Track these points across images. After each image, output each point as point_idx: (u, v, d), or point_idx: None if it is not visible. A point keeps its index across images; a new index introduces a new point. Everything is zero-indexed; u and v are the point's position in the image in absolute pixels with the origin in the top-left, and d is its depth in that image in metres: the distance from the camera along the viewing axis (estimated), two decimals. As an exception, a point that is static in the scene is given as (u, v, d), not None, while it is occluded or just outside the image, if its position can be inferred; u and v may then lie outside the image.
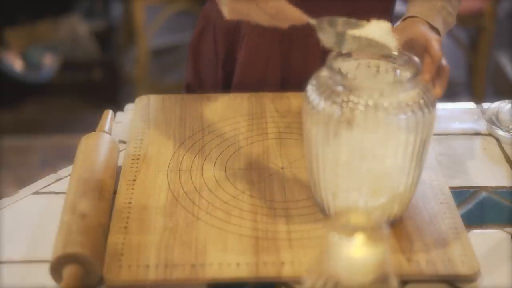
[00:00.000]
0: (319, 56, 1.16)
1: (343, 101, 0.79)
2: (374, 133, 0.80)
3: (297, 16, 0.85)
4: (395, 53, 0.85)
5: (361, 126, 0.79)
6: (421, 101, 0.80)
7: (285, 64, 1.17)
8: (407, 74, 0.84)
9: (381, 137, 0.80)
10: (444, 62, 0.88)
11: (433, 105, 0.82)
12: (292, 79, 1.20)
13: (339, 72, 0.83)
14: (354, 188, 0.83)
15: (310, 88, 0.83)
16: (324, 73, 0.84)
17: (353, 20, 0.85)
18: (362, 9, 1.10)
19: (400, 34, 0.87)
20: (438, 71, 0.86)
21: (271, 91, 1.17)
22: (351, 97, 0.79)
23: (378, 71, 0.87)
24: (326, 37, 0.84)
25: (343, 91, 0.80)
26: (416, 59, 0.84)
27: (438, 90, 0.85)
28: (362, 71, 0.87)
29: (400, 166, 0.82)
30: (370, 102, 0.79)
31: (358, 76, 0.86)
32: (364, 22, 0.84)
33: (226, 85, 1.22)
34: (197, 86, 1.27)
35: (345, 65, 0.86)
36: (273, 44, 1.16)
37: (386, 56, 0.86)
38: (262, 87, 1.17)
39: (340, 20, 0.85)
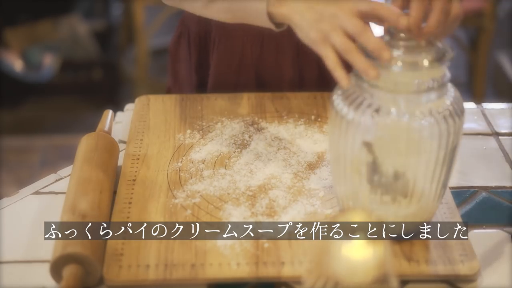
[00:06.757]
0: (290, 57, 1.17)
1: (369, 108, 0.78)
2: (403, 141, 0.78)
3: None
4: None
5: (389, 134, 0.78)
6: (450, 108, 0.78)
7: (258, 66, 1.16)
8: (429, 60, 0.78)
9: (409, 145, 0.78)
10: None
11: (462, 112, 0.79)
12: (266, 80, 1.20)
13: (365, 79, 0.79)
14: (383, 197, 0.82)
15: (336, 97, 0.81)
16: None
17: None
18: None
19: None
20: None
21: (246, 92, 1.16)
22: (378, 105, 0.77)
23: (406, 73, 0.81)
24: None
25: (369, 98, 0.78)
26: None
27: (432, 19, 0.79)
28: (389, 77, 0.83)
29: (430, 174, 0.80)
30: (398, 110, 0.77)
31: (385, 83, 0.79)
32: None
33: (201, 89, 1.23)
34: (177, 90, 1.27)
35: None
36: (244, 47, 1.16)
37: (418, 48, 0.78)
38: (237, 90, 1.17)
39: None
